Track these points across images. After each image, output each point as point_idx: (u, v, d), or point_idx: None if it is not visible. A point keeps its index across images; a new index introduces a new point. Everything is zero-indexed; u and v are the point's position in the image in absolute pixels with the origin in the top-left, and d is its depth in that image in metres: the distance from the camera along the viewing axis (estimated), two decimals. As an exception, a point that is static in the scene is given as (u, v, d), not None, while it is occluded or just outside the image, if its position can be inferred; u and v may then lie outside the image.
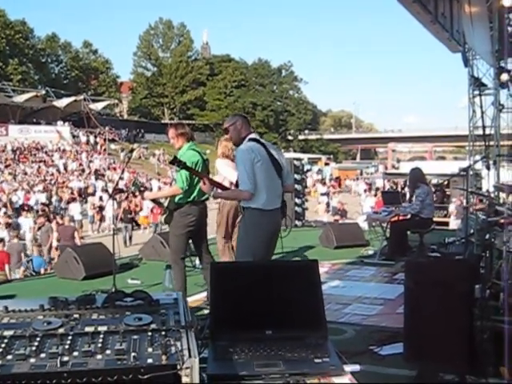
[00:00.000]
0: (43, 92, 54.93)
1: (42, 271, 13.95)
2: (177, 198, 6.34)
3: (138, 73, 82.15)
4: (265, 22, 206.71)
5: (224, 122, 5.71)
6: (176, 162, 5.21)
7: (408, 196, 13.48)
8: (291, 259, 9.04)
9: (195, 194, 6.26)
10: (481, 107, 13.61)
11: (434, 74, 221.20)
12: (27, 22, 67.01)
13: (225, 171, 7.58)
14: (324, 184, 40.19)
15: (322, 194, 35.15)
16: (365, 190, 35.63)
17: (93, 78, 76.31)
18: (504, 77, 12.71)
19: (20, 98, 52.33)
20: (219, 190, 5.39)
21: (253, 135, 5.25)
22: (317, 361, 2.53)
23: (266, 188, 5.01)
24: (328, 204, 33.60)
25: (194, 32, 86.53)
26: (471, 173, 13.28)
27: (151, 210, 22.31)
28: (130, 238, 21.97)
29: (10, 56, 62.92)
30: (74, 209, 26.61)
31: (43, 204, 26.31)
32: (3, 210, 25.92)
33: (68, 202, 29.62)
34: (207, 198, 6.38)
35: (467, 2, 12.02)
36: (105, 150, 52.43)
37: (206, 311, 5.93)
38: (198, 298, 7.14)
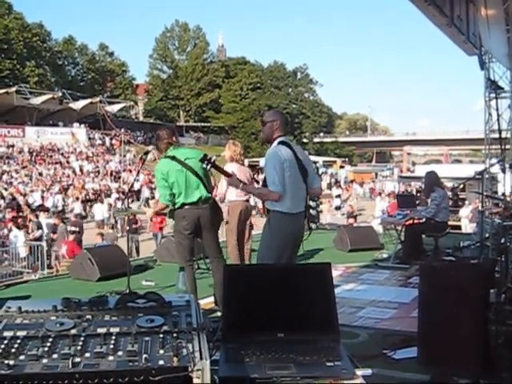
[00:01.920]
0: (60, 94, 55.38)
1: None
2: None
3: (154, 75, 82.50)
4: (280, 25, 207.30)
5: (264, 113, 5.70)
6: (206, 159, 5.22)
7: (422, 199, 13.44)
8: (305, 262, 9.03)
9: (183, 199, 6.24)
10: (497, 110, 13.54)
11: (450, 76, 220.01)
12: (44, 24, 67.75)
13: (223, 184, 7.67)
14: (338, 187, 40.05)
15: (336, 197, 35.06)
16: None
17: (109, 81, 76.76)
18: (520, 80, 12.65)
19: (37, 100, 52.76)
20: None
21: (283, 138, 5.27)
22: (328, 364, 2.52)
23: (292, 192, 5.04)
24: (339, 207, 33.58)
25: (209, 34, 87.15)
26: (487, 176, 13.23)
27: (150, 219, 21.14)
28: (137, 249, 19.89)
29: (27, 58, 63.48)
30: (97, 209, 26.98)
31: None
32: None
33: (82, 202, 29.87)
34: (207, 200, 6.34)
35: (483, 5, 11.95)
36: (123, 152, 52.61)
37: (220, 313, 5.95)
38: (212, 300, 7.14)
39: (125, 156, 51.94)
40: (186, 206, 6.25)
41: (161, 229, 20.23)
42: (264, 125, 5.33)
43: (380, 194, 36.19)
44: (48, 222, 19.12)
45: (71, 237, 15.79)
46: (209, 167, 5.31)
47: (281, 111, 6.42)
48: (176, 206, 6.32)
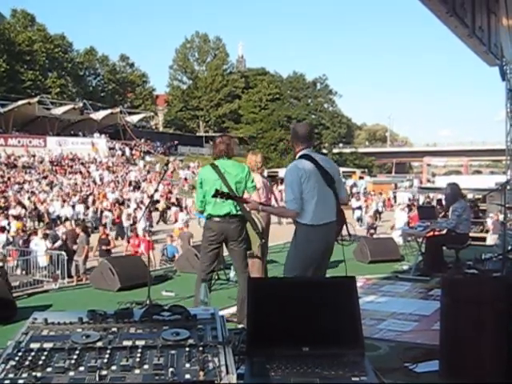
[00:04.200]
0: (81, 104, 55.90)
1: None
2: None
3: (174, 86, 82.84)
4: (300, 35, 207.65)
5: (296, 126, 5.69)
6: (218, 194, 5.31)
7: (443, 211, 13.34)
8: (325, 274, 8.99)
9: (211, 210, 6.31)
10: (518, 121, 13.46)
11: (471, 87, 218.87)
12: (66, 36, 68.34)
13: None
14: (358, 198, 39.92)
15: (356, 208, 34.95)
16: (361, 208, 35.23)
17: (129, 91, 77.24)
18: (542, 91, 12.57)
19: (58, 111, 53.28)
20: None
21: (305, 151, 5.25)
22: (354, 379, 2.51)
23: (316, 203, 5.03)
24: (360, 219, 33.44)
25: (229, 45, 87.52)
26: (508, 187, 13.13)
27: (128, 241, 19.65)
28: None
29: (49, 69, 64.27)
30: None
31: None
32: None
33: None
34: (235, 216, 6.34)
35: (505, 15, 11.92)
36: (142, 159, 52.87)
37: (240, 326, 5.95)
38: (231, 311, 7.14)
39: (145, 166, 52.22)
40: (214, 218, 6.32)
41: (136, 253, 17.02)
42: (291, 139, 5.44)
43: (392, 205, 36.12)
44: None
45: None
46: (223, 200, 5.39)
47: (303, 123, 6.43)
48: (205, 215, 6.46)
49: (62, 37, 67.29)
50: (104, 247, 17.92)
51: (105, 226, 22.45)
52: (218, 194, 5.30)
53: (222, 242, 6.48)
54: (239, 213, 6.35)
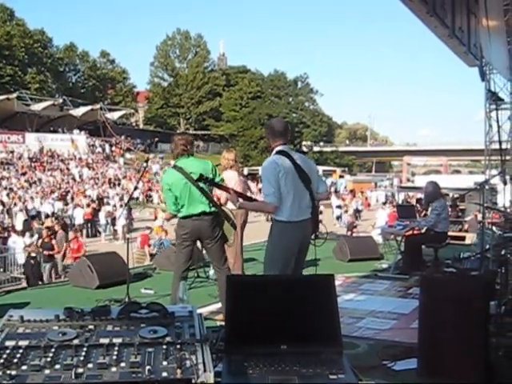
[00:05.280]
0: (60, 101, 55.53)
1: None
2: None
3: (155, 83, 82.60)
4: (281, 34, 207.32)
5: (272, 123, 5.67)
6: (203, 179, 5.27)
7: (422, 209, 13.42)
8: (305, 272, 9.01)
9: (185, 211, 6.32)
10: (497, 121, 13.55)
11: (450, 87, 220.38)
12: (46, 31, 67.81)
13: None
14: (341, 197, 40.06)
15: (337, 207, 35.06)
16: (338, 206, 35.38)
17: (109, 88, 76.90)
18: (521, 92, 12.68)
19: (37, 107, 52.88)
20: (241, 199, 5.37)
21: (281, 147, 5.25)
22: (332, 377, 2.51)
23: (292, 200, 5.03)
24: (339, 217, 33.57)
25: (210, 43, 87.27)
26: (487, 187, 13.25)
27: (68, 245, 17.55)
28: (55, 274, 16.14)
29: (28, 65, 63.71)
30: (79, 214, 28.46)
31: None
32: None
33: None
34: (210, 213, 6.36)
35: (485, 16, 11.97)
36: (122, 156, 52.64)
37: (219, 323, 5.93)
38: (210, 309, 7.12)
39: (125, 163, 52.02)
40: (188, 218, 6.33)
41: (76, 258, 15.62)
42: (266, 135, 5.42)
43: (369, 205, 36.25)
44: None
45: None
46: (206, 185, 5.36)
47: (279, 119, 6.44)
48: (179, 216, 6.42)
49: (42, 32, 66.81)
50: (46, 252, 15.89)
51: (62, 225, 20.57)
52: (202, 178, 5.28)
53: (196, 240, 6.52)
54: (212, 209, 6.36)
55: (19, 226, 23.42)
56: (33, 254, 15.41)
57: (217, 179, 6.29)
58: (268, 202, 5.02)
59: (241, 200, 5.29)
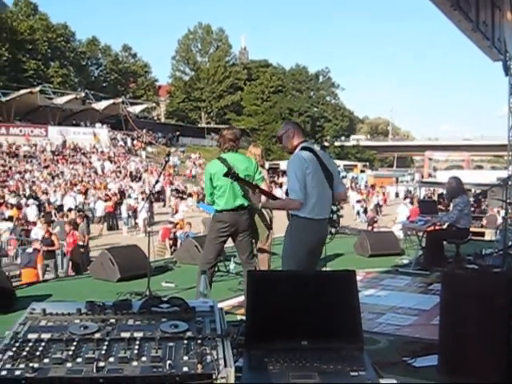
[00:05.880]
0: (83, 94, 55.84)
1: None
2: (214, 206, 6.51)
3: (176, 77, 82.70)
4: (303, 28, 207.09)
5: (277, 130, 5.67)
6: (230, 174, 5.24)
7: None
8: (325, 267, 8.99)
9: (224, 204, 6.33)
10: (521, 116, 13.41)
11: (473, 81, 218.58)
12: (69, 25, 68.16)
13: None
14: (359, 192, 39.91)
15: (357, 202, 34.94)
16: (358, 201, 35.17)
17: (131, 82, 77.09)
18: (544, 86, 12.53)
19: (60, 100, 53.21)
20: (263, 198, 5.35)
21: (305, 144, 5.23)
22: (352, 374, 2.50)
23: (316, 198, 4.99)
24: (359, 212, 33.45)
25: (232, 37, 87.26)
26: (510, 183, 13.13)
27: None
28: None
29: (51, 59, 64.10)
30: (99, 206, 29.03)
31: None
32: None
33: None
34: (246, 206, 6.37)
35: (510, 10, 11.84)
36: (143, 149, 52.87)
37: (239, 317, 5.93)
38: (231, 303, 7.14)
39: (147, 157, 52.24)
40: (226, 211, 6.34)
41: (71, 252, 15.63)
42: (281, 140, 5.34)
43: (385, 200, 36.01)
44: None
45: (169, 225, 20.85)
46: (232, 181, 5.34)
47: (290, 121, 6.45)
48: (216, 209, 6.44)
49: (65, 26, 67.13)
50: (45, 248, 15.02)
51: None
52: (229, 173, 5.22)
53: (232, 234, 6.50)
54: (249, 204, 6.37)
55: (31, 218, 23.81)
56: (80, 243, 15.71)
57: (257, 176, 6.35)
58: (294, 198, 4.96)
59: (263, 199, 5.27)
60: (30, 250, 14.31)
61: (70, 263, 15.65)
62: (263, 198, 5.37)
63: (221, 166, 6.28)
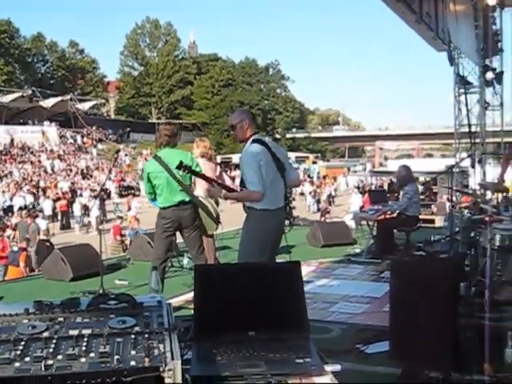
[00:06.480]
0: (29, 92, 54.98)
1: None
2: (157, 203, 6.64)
3: (125, 72, 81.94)
4: (252, 21, 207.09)
5: (230, 117, 5.63)
6: (182, 167, 5.24)
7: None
8: (277, 258, 9.06)
9: (163, 201, 6.47)
10: (466, 105, 13.73)
11: (421, 72, 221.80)
12: (12, 21, 66.75)
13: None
14: (312, 183, 40.21)
15: (309, 193, 35.23)
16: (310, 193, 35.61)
17: (79, 78, 76.15)
18: (489, 75, 12.85)
19: (6, 99, 52.25)
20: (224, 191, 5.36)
21: (257, 136, 5.25)
22: (298, 361, 2.55)
23: (270, 188, 5.03)
24: (312, 203, 33.75)
25: (180, 31, 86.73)
26: (457, 170, 13.42)
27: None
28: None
29: (-5, 56, 62.76)
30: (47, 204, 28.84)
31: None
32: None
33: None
34: (188, 202, 6.46)
35: (452, 1, 12.10)
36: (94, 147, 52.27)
37: (193, 312, 5.94)
38: (185, 298, 7.16)
39: (98, 154, 51.68)
40: (168, 207, 6.45)
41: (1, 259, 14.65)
42: (234, 128, 5.31)
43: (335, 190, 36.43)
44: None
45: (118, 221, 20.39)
46: (185, 173, 5.35)
47: (245, 109, 6.48)
48: (159, 206, 6.57)
49: (8, 22, 65.76)
50: None
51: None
52: (181, 166, 5.23)
53: (177, 230, 6.63)
54: (191, 199, 6.44)
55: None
56: (43, 237, 15.92)
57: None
58: (255, 190, 4.98)
59: (224, 191, 5.29)
60: (15, 248, 14.25)
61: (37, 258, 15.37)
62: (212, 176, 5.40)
63: (156, 164, 6.42)
